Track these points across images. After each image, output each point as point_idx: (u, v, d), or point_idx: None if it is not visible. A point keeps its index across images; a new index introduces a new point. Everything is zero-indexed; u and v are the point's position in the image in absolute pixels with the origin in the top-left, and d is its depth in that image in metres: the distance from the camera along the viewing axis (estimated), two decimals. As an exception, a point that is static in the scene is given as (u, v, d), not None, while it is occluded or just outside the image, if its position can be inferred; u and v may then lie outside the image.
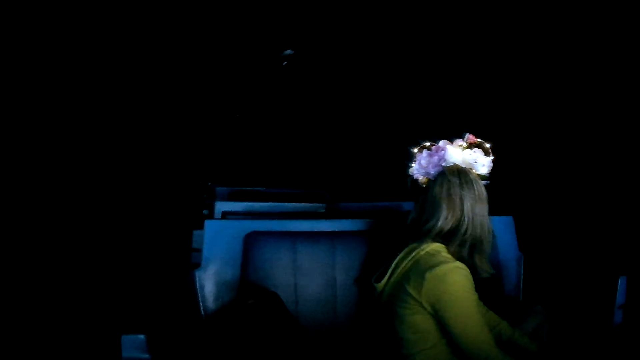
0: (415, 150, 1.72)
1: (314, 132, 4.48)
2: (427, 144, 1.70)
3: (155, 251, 3.75)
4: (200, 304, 1.96)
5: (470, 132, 1.68)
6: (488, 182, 1.66)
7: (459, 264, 1.54)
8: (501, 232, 2.10)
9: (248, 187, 3.65)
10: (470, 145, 1.66)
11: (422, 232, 1.62)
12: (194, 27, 4.11)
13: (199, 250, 2.35)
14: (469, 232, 1.60)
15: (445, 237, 1.60)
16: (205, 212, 3.59)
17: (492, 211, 1.65)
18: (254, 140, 4.71)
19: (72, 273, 3.48)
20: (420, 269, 1.54)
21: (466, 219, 1.59)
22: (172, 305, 2.57)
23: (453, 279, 1.50)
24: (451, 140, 1.67)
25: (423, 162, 1.67)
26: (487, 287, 1.65)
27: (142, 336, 1.83)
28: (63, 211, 4.12)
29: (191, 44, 4.28)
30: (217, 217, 2.57)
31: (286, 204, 2.59)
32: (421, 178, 1.69)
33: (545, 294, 2.28)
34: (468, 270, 1.55)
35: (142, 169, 4.39)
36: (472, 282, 1.54)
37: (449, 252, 1.59)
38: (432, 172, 1.65)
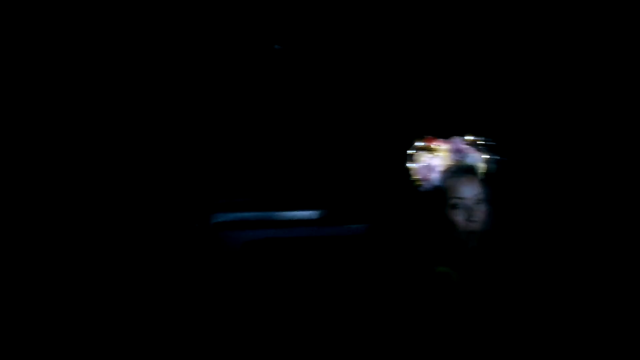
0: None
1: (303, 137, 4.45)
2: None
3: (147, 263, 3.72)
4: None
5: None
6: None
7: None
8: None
9: (238, 198, 3.65)
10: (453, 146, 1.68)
11: None
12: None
13: (196, 262, 2.36)
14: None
15: None
16: (196, 225, 3.59)
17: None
18: (243, 150, 4.69)
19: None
20: None
21: None
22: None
23: None
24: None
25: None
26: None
27: None
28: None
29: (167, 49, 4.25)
30: (210, 229, 2.58)
31: (281, 212, 2.60)
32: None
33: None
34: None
35: (130, 186, 4.35)
36: None
37: None
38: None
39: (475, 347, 1.53)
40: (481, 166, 1.65)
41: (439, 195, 1.60)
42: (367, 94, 3.93)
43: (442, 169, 1.62)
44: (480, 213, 1.58)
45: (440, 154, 1.64)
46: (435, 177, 1.62)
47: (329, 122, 4.29)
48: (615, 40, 2.61)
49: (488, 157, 1.67)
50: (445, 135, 1.66)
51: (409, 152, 1.64)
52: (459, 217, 1.57)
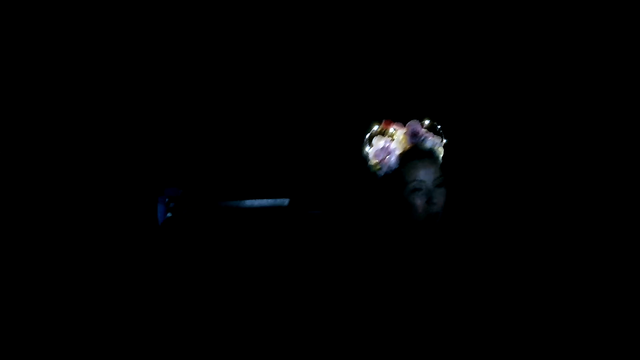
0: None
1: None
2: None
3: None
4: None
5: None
6: None
7: None
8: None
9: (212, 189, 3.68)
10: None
11: None
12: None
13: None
14: None
15: None
16: (169, 214, 3.62)
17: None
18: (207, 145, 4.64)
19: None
20: None
21: None
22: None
23: None
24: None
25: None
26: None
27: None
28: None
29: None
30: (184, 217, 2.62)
31: (250, 200, 2.63)
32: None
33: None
34: None
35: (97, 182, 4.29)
36: None
37: None
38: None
39: (435, 330, 1.54)
40: (440, 149, 1.66)
41: (397, 179, 1.61)
42: (324, 79, 3.89)
43: (399, 152, 1.62)
44: (440, 197, 1.58)
45: (398, 137, 1.64)
46: (393, 160, 1.62)
47: (287, 110, 4.25)
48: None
49: (446, 140, 1.68)
50: (403, 119, 1.65)
51: (366, 136, 1.64)
52: (418, 201, 1.57)
